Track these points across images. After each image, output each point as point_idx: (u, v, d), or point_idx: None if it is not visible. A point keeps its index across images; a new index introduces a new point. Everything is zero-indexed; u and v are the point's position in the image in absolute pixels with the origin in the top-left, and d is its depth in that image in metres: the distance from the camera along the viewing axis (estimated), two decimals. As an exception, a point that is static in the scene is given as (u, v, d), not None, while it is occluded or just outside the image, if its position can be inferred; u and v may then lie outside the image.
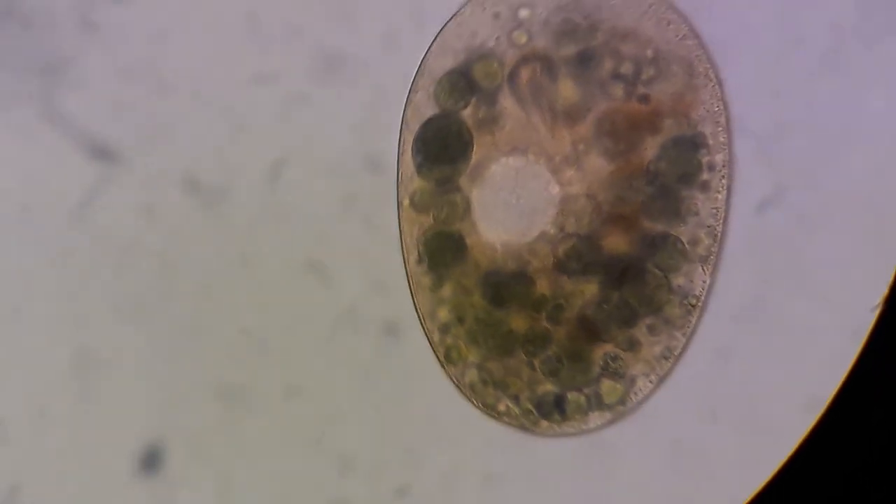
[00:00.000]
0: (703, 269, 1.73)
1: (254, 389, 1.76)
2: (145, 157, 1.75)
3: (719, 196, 1.72)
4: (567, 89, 1.72)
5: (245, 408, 1.76)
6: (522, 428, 1.77)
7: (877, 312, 1.67)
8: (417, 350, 1.77)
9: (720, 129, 1.72)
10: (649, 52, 1.72)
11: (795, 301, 1.73)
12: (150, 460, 1.75)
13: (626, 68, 1.72)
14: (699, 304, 1.73)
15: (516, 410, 1.76)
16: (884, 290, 1.67)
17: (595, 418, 1.76)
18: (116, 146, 1.74)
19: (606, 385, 1.75)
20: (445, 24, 1.73)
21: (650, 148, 1.72)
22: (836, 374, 1.68)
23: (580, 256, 1.73)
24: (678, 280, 1.73)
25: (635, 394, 1.75)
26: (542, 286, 1.74)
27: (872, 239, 1.71)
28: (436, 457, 1.77)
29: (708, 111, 1.71)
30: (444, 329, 1.76)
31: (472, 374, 1.76)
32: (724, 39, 1.72)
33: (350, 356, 1.77)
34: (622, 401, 1.75)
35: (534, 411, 1.76)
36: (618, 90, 1.72)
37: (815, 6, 1.72)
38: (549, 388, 1.76)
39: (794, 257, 1.73)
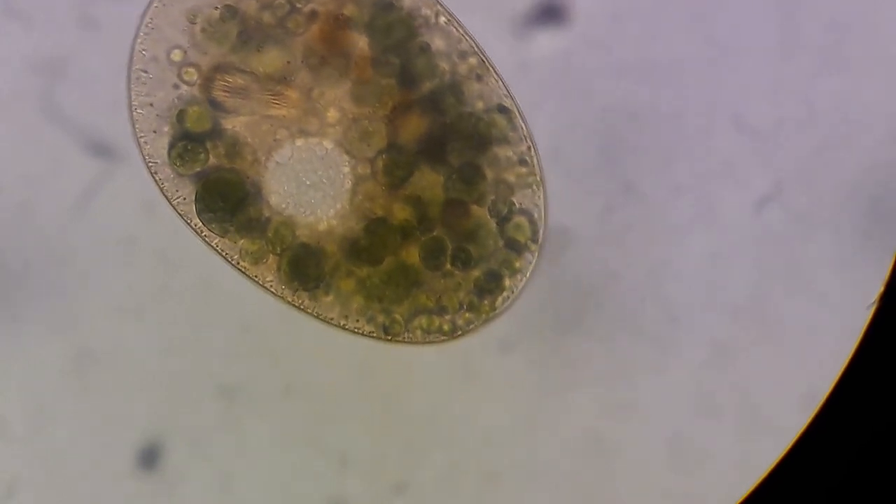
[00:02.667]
0: (486, 81, 1.73)
1: (253, 387, 1.75)
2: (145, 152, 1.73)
3: (441, 20, 1.72)
4: (260, 64, 1.71)
5: (245, 405, 1.75)
6: (489, 321, 1.76)
7: (872, 310, 1.67)
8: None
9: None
10: (285, -20, 1.71)
11: (792, 298, 1.73)
12: (150, 457, 1.74)
13: (282, 8, 1.70)
14: (512, 105, 1.73)
15: (473, 315, 1.76)
16: (879, 288, 1.68)
17: (530, 259, 1.75)
18: (115, 142, 1.72)
19: (511, 228, 1.74)
20: (133, 116, 1.72)
21: (360, 41, 1.71)
22: (832, 371, 1.69)
23: (397, 164, 1.72)
24: (478, 105, 1.73)
25: (536, 209, 1.74)
26: (396, 213, 1.73)
27: (868, 236, 1.71)
28: (434, 454, 1.76)
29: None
30: (367, 314, 1.75)
31: (418, 324, 1.76)
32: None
33: (349, 353, 1.76)
34: (535, 227, 1.75)
35: (484, 301, 1.75)
36: (295, 25, 1.71)
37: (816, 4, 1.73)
38: (476, 274, 1.75)
39: (791, 254, 1.73)
